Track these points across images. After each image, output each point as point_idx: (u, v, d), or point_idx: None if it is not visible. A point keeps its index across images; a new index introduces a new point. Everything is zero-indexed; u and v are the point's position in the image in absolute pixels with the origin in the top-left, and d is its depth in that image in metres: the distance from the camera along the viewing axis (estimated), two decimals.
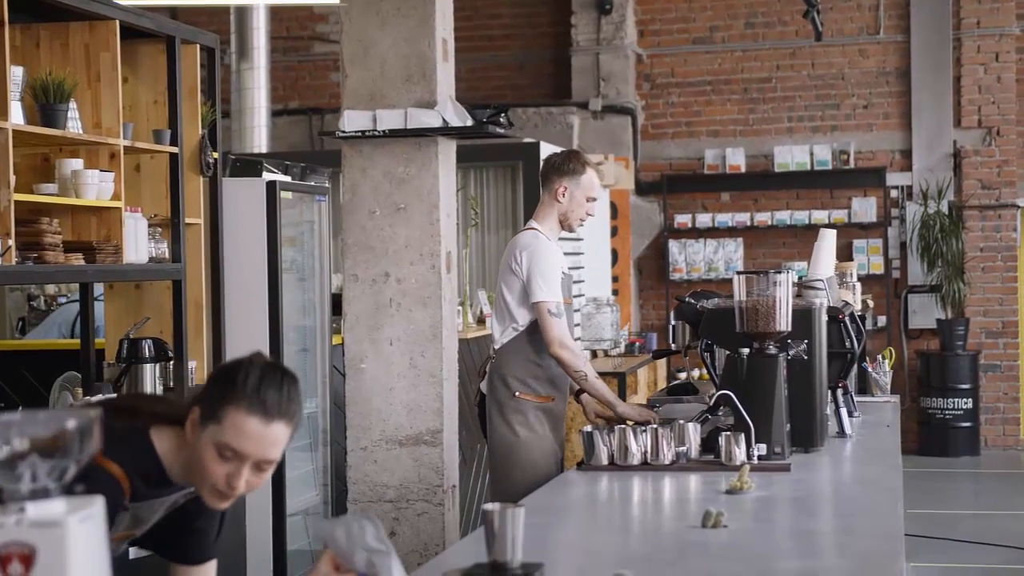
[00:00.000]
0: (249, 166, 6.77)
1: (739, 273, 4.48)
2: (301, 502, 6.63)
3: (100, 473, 2.63)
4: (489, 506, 2.73)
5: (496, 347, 5.29)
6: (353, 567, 2.41)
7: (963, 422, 12.25)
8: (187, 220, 5.76)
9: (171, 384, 5.65)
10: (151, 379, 5.45)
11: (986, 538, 8.75)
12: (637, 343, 11.00)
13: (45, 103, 4.84)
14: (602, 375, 8.94)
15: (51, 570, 1.75)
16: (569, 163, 5.26)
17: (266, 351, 6.33)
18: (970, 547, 8.58)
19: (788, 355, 4.48)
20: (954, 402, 12.22)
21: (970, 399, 12.26)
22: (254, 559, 6.08)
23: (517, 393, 5.16)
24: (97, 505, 1.83)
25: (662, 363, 11.12)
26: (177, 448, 2.72)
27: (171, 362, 5.62)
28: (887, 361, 6.40)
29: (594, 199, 5.29)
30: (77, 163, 5.07)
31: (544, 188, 5.31)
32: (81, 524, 1.78)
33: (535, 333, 5.12)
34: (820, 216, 12.59)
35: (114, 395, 4.94)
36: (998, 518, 9.74)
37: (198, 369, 5.85)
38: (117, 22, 5.22)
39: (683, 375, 10.66)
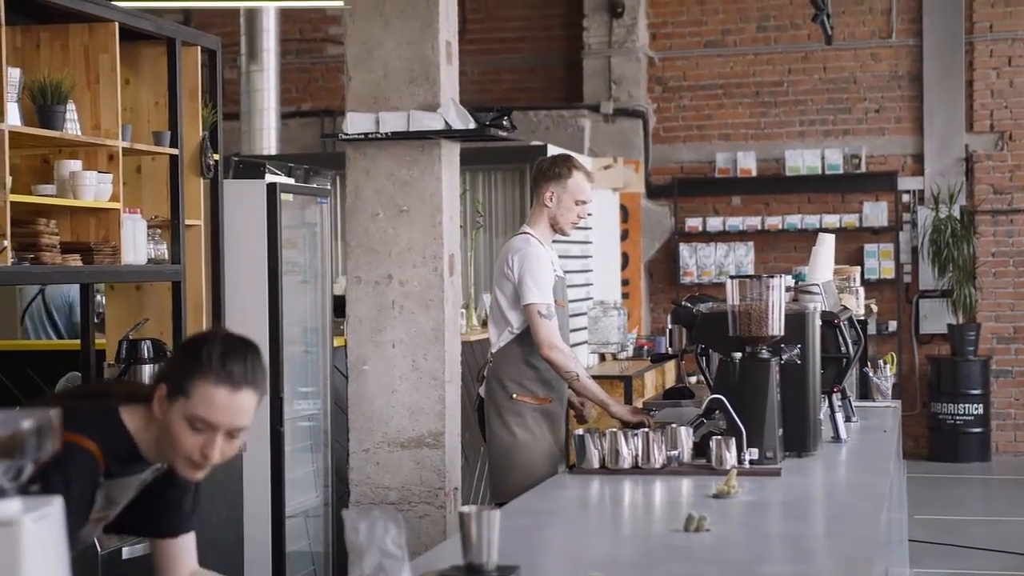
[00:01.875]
0: (252, 168, 6.78)
1: (732, 277, 4.48)
2: (301, 503, 6.64)
3: (76, 450, 2.70)
4: (465, 509, 2.74)
5: (493, 351, 5.35)
6: (359, 565, 2.42)
7: (974, 427, 12.21)
8: (187, 222, 5.77)
9: None
10: (150, 380, 5.47)
11: (995, 544, 8.73)
12: (646, 347, 10.99)
13: (43, 104, 4.87)
14: (609, 379, 9.00)
15: (6, 569, 1.76)
16: (556, 167, 5.32)
17: (267, 353, 6.38)
18: (977, 553, 8.55)
19: (781, 359, 4.48)
20: (965, 407, 12.19)
21: (981, 404, 12.22)
22: (252, 560, 6.09)
23: (514, 395, 5.21)
24: (54, 505, 1.84)
25: (671, 367, 11.09)
26: (147, 425, 2.79)
27: None
28: (888, 366, 6.39)
29: (583, 202, 5.33)
30: (76, 164, 5.10)
31: (534, 193, 5.40)
32: (36, 524, 1.79)
33: (530, 336, 5.15)
34: (831, 220, 12.56)
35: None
36: (1007, 524, 9.70)
37: None
38: (116, 24, 5.24)
39: (694, 379, 10.63)
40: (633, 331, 11.32)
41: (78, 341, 5.95)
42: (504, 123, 5.89)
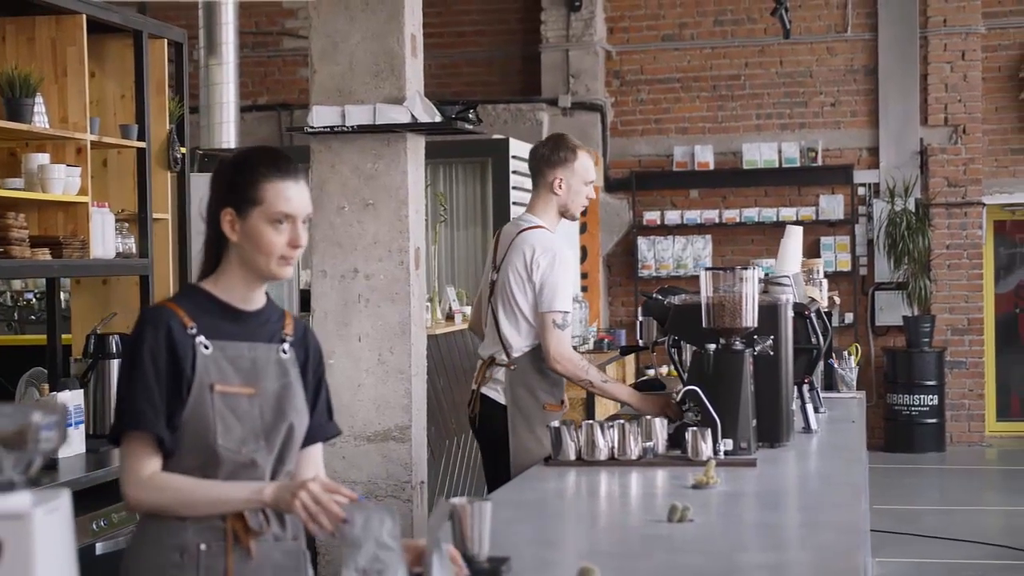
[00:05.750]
0: (216, 161, 6.75)
1: (707, 269, 4.50)
2: None
3: (149, 309, 2.97)
4: (457, 500, 2.74)
5: (514, 355, 5.00)
6: (353, 559, 2.42)
7: (929, 418, 12.34)
8: (155, 215, 5.74)
9: None
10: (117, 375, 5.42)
11: (951, 533, 8.83)
12: (606, 339, 11.03)
13: (11, 97, 4.82)
14: None
15: (18, 562, 1.76)
16: (560, 151, 5.03)
17: None
18: (935, 542, 8.65)
19: (754, 351, 4.51)
20: (920, 398, 12.31)
21: (936, 395, 12.35)
22: None
23: (545, 406, 5.00)
24: (63, 498, 1.83)
25: (631, 359, 11.15)
26: (223, 278, 2.96)
27: None
28: (853, 357, 6.44)
29: (591, 182, 5.09)
30: (44, 157, 5.05)
31: (537, 181, 5.11)
32: (47, 516, 1.78)
33: None
34: (788, 213, 12.65)
35: None
36: (963, 513, 9.82)
37: None
38: (84, 16, 5.20)
39: (651, 371, 10.69)
40: (593, 324, 11.36)
41: (44, 336, 5.91)
42: (470, 116, 5.88)
